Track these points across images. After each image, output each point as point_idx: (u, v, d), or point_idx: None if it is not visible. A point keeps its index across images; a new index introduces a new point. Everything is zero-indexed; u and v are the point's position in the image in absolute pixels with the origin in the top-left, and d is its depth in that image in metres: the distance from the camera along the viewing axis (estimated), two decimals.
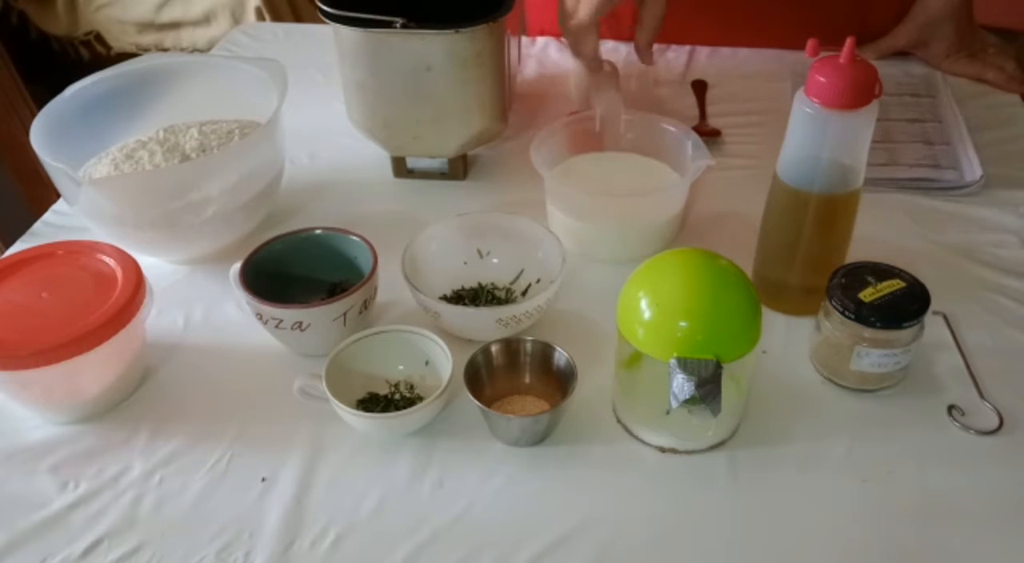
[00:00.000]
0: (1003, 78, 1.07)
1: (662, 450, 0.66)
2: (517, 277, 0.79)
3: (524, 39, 1.20)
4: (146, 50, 2.11)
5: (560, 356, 0.68)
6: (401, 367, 0.71)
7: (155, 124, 0.90)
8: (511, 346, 0.69)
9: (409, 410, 0.64)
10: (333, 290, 0.78)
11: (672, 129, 0.86)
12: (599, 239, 0.84)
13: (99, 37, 2.14)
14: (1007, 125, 1.01)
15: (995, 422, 0.67)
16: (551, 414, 0.64)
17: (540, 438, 0.66)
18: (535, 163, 0.81)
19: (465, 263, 0.80)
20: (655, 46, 0.96)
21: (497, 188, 0.94)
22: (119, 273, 0.70)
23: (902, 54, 1.12)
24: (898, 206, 0.89)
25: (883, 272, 0.68)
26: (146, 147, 0.86)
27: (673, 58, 1.16)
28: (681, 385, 0.57)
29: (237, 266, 0.73)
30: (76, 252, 0.72)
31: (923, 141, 0.97)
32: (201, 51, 2.01)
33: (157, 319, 0.77)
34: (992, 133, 0.99)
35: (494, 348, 0.69)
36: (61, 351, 0.64)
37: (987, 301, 0.78)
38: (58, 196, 0.86)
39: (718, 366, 0.58)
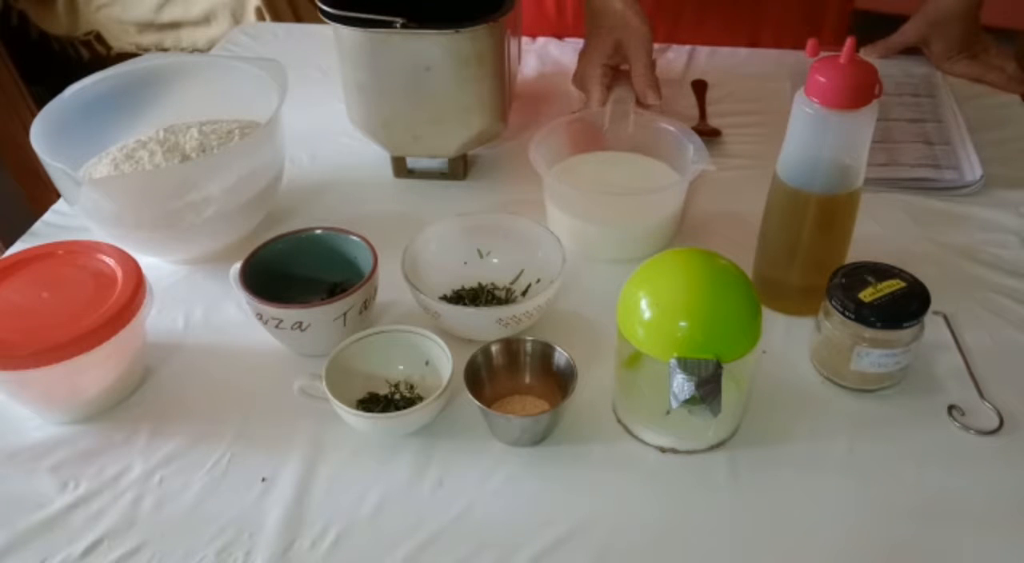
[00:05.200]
0: (1004, 79, 1.07)
1: (662, 450, 0.66)
2: (517, 277, 0.79)
3: (524, 38, 1.20)
4: (146, 50, 2.10)
5: (560, 356, 0.68)
6: (401, 367, 0.71)
7: (155, 124, 0.90)
8: (511, 346, 0.69)
9: (409, 410, 0.64)
10: (333, 290, 0.78)
11: (672, 129, 0.86)
12: (598, 238, 0.84)
13: (99, 37, 2.14)
14: (1007, 125, 1.01)
15: (995, 422, 0.67)
16: (551, 414, 0.64)
17: (540, 438, 0.66)
18: (535, 163, 0.81)
19: (465, 263, 0.80)
20: (656, 45, 0.97)
21: (497, 188, 0.94)
22: (119, 273, 0.70)
23: (905, 51, 1.12)
24: (898, 206, 0.89)
25: (883, 272, 0.68)
26: (146, 147, 0.86)
27: (673, 58, 1.16)
28: (681, 385, 0.57)
29: (237, 266, 0.73)
30: (76, 252, 0.72)
31: (923, 141, 0.97)
32: (201, 51, 2.01)
33: (157, 319, 0.78)
34: (992, 133, 0.99)
35: (494, 348, 0.69)
36: (61, 351, 0.64)
37: (987, 301, 0.78)
38: (58, 196, 0.86)
39: (718, 366, 0.58)
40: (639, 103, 0.94)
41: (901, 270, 0.68)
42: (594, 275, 0.81)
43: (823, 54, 0.66)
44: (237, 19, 2.01)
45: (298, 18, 2.03)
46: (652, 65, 0.95)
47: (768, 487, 0.63)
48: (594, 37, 0.98)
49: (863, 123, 0.66)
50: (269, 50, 1.22)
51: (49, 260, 0.72)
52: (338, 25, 0.83)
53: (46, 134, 0.79)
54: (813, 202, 0.70)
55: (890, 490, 0.63)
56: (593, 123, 0.91)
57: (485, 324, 0.72)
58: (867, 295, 0.66)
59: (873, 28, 1.15)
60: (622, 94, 0.94)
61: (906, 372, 0.70)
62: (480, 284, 0.78)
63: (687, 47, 1.18)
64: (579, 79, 1.00)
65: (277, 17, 1.98)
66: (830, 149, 0.68)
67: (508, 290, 0.78)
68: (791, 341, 0.74)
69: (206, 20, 2.06)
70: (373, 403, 0.69)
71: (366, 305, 0.73)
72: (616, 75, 0.98)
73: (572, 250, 0.79)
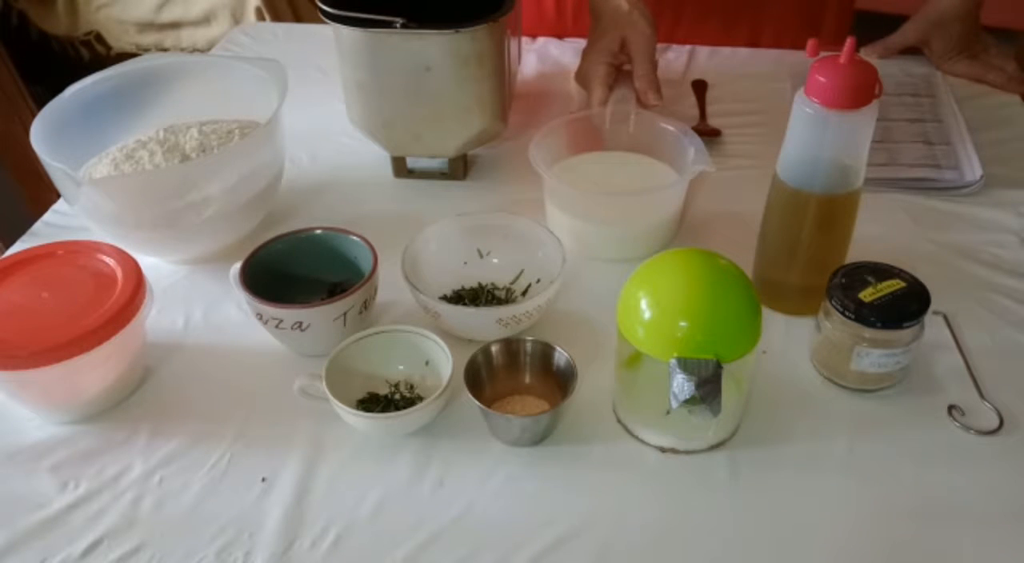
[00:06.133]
0: (1003, 79, 1.07)
1: (662, 450, 0.66)
2: (517, 277, 0.79)
3: (524, 38, 1.20)
4: (146, 50, 2.10)
5: (560, 356, 0.68)
6: (401, 367, 0.71)
7: (155, 124, 0.90)
8: (511, 346, 0.69)
9: (409, 410, 0.64)
10: (333, 290, 0.78)
11: (672, 129, 0.86)
12: (598, 238, 0.84)
13: (99, 37, 2.14)
14: (1007, 125, 1.01)
15: (995, 422, 0.67)
16: (551, 414, 0.64)
17: (540, 438, 0.66)
18: (535, 163, 0.81)
19: (465, 263, 0.80)
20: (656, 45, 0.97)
21: (497, 188, 0.94)
22: (119, 273, 0.70)
23: (905, 52, 1.12)
24: (898, 206, 0.89)
25: (883, 272, 0.68)
26: (146, 147, 0.86)
27: (673, 58, 1.16)
28: (681, 385, 0.57)
29: (237, 266, 0.73)
30: (76, 252, 0.72)
31: (923, 141, 0.97)
32: (201, 51, 2.01)
33: (157, 319, 0.78)
34: (992, 133, 0.99)
35: (494, 348, 0.69)
36: (61, 351, 0.64)
37: (987, 301, 0.78)
38: (58, 196, 0.86)
39: (718, 366, 0.58)
40: (640, 103, 0.94)
41: (901, 270, 0.68)
42: (594, 275, 0.81)
43: (823, 54, 0.66)
44: (237, 19, 2.01)
45: (298, 18, 2.03)
46: (655, 66, 0.95)
47: (768, 487, 0.63)
48: (599, 36, 0.98)
49: (863, 123, 0.66)
50: (269, 50, 1.22)
51: (49, 260, 0.72)
52: (338, 25, 0.83)
53: (46, 134, 0.79)
54: (813, 202, 0.70)
55: (890, 490, 0.63)
56: (593, 123, 0.91)
57: (485, 324, 0.72)
58: (867, 295, 0.66)
59: (873, 28, 1.15)
60: (623, 94, 0.94)
61: (906, 372, 0.70)
62: (480, 284, 0.78)
63: (687, 47, 1.18)
64: (582, 76, 1.00)
65: (277, 17, 1.98)
66: (830, 149, 0.68)
67: (508, 290, 0.78)
68: (791, 341, 0.74)
69: (206, 20, 2.06)
70: (373, 403, 0.69)
71: (366, 305, 0.73)
72: (618, 75, 0.98)
73: (572, 250, 0.79)
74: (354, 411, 0.65)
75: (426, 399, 0.65)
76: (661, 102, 0.95)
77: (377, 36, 0.83)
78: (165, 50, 2.09)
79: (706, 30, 1.18)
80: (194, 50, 2.06)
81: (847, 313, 0.66)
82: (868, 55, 1.12)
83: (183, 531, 0.61)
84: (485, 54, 0.84)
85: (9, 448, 0.68)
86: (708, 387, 0.57)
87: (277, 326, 0.70)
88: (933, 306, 0.66)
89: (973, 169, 0.92)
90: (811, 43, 0.66)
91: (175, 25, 2.08)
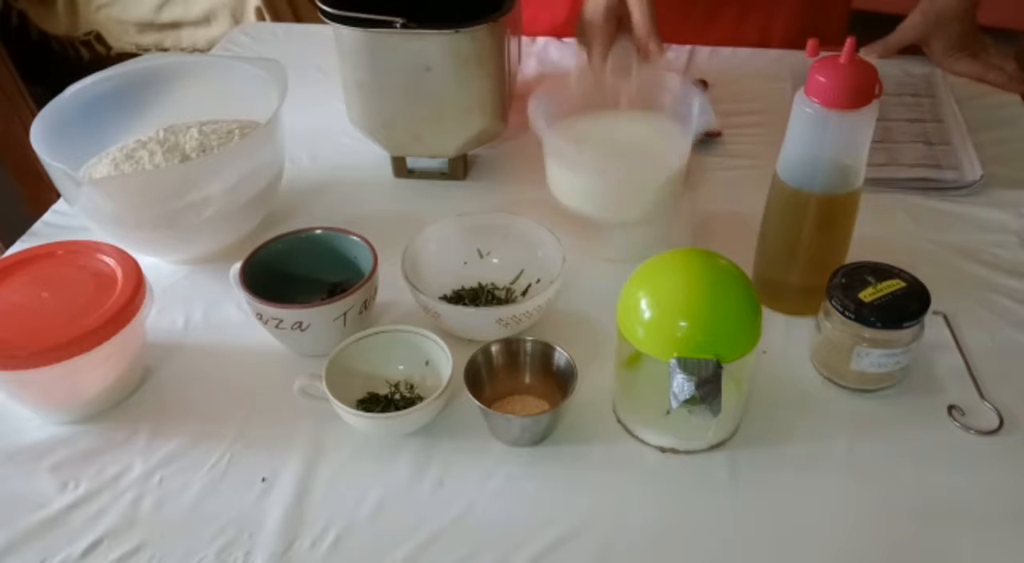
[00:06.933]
0: (1004, 78, 1.07)
1: (662, 450, 0.66)
2: (517, 277, 0.79)
3: (524, 39, 1.20)
4: (146, 50, 2.10)
5: (560, 356, 0.68)
6: (401, 367, 0.71)
7: (155, 124, 0.89)
8: (511, 346, 0.69)
9: (409, 410, 0.64)
10: (333, 290, 0.78)
11: (677, 87, 0.83)
12: (597, 195, 0.80)
13: (99, 37, 2.14)
14: (1007, 125, 1.01)
15: (995, 422, 0.67)
16: (551, 414, 0.64)
17: (540, 438, 0.66)
18: (532, 120, 0.78)
19: (465, 263, 0.80)
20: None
21: (497, 188, 0.94)
22: (119, 273, 0.70)
23: (905, 52, 1.12)
24: (898, 206, 0.89)
25: (883, 272, 0.68)
26: (146, 147, 0.86)
27: (673, 58, 1.16)
28: (681, 385, 0.57)
29: (237, 266, 0.73)
30: (76, 252, 0.72)
31: (923, 141, 0.97)
32: (201, 51, 2.01)
33: (157, 319, 0.78)
34: (992, 133, 0.99)
35: (494, 348, 0.69)
36: (61, 351, 0.64)
37: (987, 301, 0.78)
38: (58, 196, 0.86)
39: (718, 366, 0.58)
40: (641, 56, 0.90)
41: (901, 270, 0.68)
42: (594, 275, 0.81)
43: (823, 54, 0.66)
44: (237, 19, 2.01)
45: (298, 18, 2.03)
46: (654, 14, 0.90)
47: (768, 487, 0.63)
48: None
49: (863, 123, 0.66)
50: (269, 50, 1.22)
51: (49, 260, 0.72)
52: (338, 25, 0.83)
53: (46, 134, 0.79)
54: (813, 202, 0.70)
55: (890, 490, 0.63)
56: (594, 79, 0.88)
57: (485, 324, 0.72)
58: (867, 295, 0.66)
59: (873, 28, 1.15)
60: (623, 47, 0.90)
61: (906, 372, 0.70)
62: (480, 284, 0.78)
63: (687, 47, 1.18)
64: (581, 30, 0.95)
65: (277, 17, 1.98)
66: (830, 149, 0.68)
67: (508, 290, 0.78)
68: (791, 341, 0.74)
69: (206, 20, 2.06)
70: (373, 403, 0.69)
71: (366, 305, 0.73)
72: (619, 30, 0.92)
73: (572, 249, 0.78)
74: (354, 411, 0.65)
75: (426, 399, 0.65)
76: (663, 53, 0.90)
77: (377, 36, 0.83)
78: (165, 50, 2.09)
79: (707, 31, 1.18)
80: (194, 50, 2.06)
81: (847, 313, 0.66)
82: (868, 55, 1.12)
83: (183, 531, 0.61)
84: (485, 54, 0.84)
85: (9, 448, 0.68)
86: (708, 387, 0.57)
87: (277, 326, 0.70)
88: (933, 306, 0.66)
89: (973, 169, 0.92)
90: (811, 43, 0.66)
91: (175, 25, 2.08)
